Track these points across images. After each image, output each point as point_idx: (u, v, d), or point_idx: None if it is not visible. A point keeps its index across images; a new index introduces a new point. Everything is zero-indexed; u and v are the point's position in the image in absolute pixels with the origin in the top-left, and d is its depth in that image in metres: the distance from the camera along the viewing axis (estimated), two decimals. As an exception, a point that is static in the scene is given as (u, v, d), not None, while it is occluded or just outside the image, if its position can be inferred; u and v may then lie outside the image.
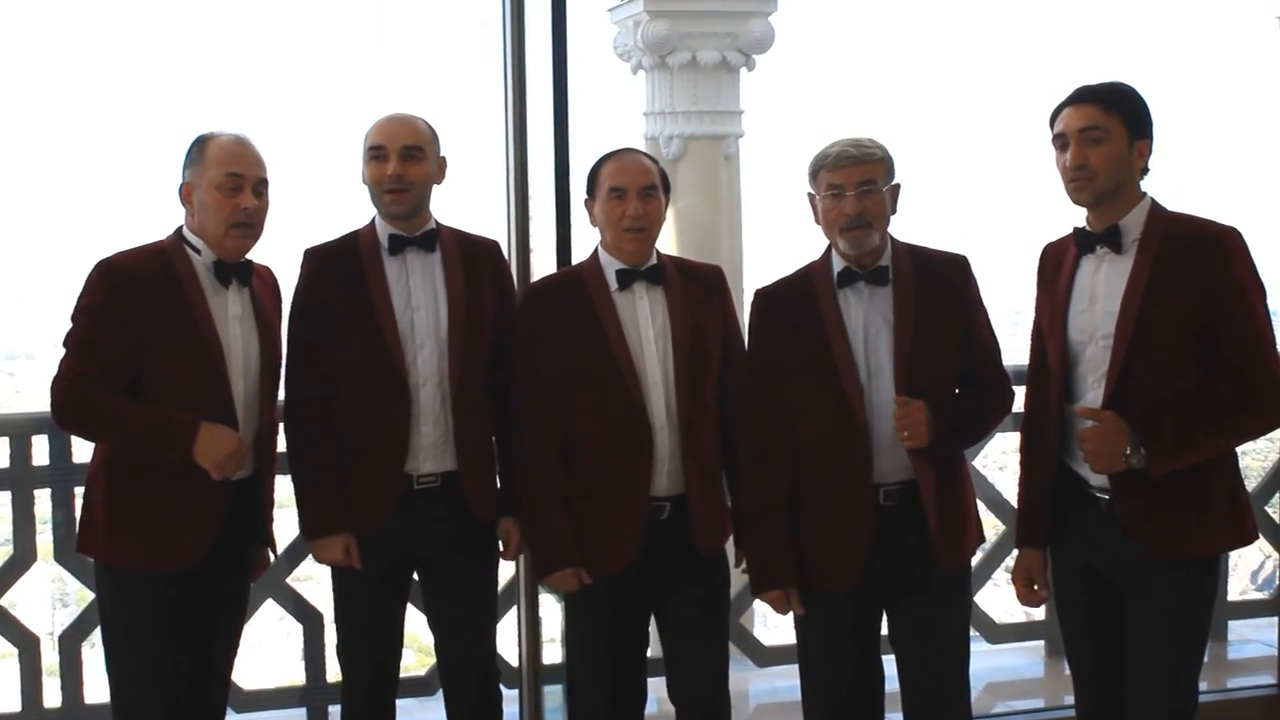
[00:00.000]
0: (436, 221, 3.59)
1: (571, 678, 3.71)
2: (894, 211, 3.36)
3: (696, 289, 3.55)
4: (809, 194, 3.38)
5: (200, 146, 3.37)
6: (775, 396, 3.40)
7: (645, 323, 3.48)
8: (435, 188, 3.59)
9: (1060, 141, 3.19)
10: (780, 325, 3.43)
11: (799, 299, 3.40)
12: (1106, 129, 3.12)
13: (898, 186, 3.37)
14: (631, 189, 3.45)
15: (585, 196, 3.57)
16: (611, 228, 3.47)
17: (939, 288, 3.36)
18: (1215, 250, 3.08)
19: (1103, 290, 3.18)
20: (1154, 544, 3.13)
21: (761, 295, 3.49)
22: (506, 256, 3.86)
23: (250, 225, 3.35)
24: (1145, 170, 3.20)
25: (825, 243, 3.43)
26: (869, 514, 3.31)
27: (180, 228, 3.42)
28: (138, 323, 3.27)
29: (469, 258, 3.58)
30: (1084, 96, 3.16)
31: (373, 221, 3.58)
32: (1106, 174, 3.13)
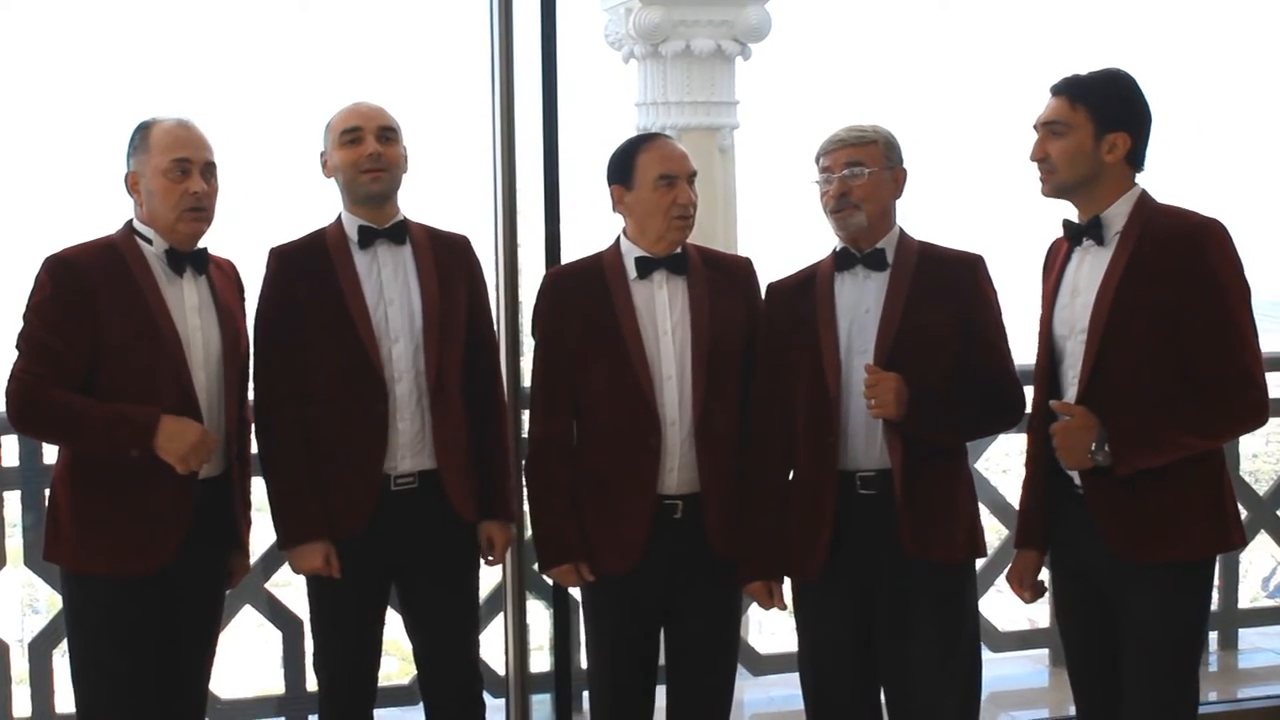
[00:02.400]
0: (404, 215, 3.52)
1: (564, 686, 3.62)
2: (896, 196, 3.35)
3: (721, 280, 3.48)
4: (815, 182, 3.37)
5: (143, 133, 3.30)
6: (776, 384, 3.38)
7: (663, 313, 3.41)
8: (404, 179, 3.52)
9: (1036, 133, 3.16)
10: (783, 314, 3.41)
11: (801, 287, 3.40)
12: (1068, 123, 3.07)
13: (902, 172, 3.35)
14: (681, 176, 3.39)
15: (614, 184, 3.46)
16: (660, 216, 3.39)
17: (941, 280, 3.31)
18: (1191, 242, 2.99)
19: (1084, 283, 3.12)
20: (1125, 546, 3.04)
21: (770, 288, 3.49)
22: (494, 251, 3.81)
23: (202, 209, 3.28)
24: (1135, 162, 3.11)
25: (823, 238, 3.41)
26: (834, 498, 3.27)
27: (130, 220, 3.34)
28: (89, 318, 3.20)
29: (440, 251, 3.52)
30: (1056, 88, 3.12)
31: (339, 217, 3.51)
32: (1065, 168, 3.08)
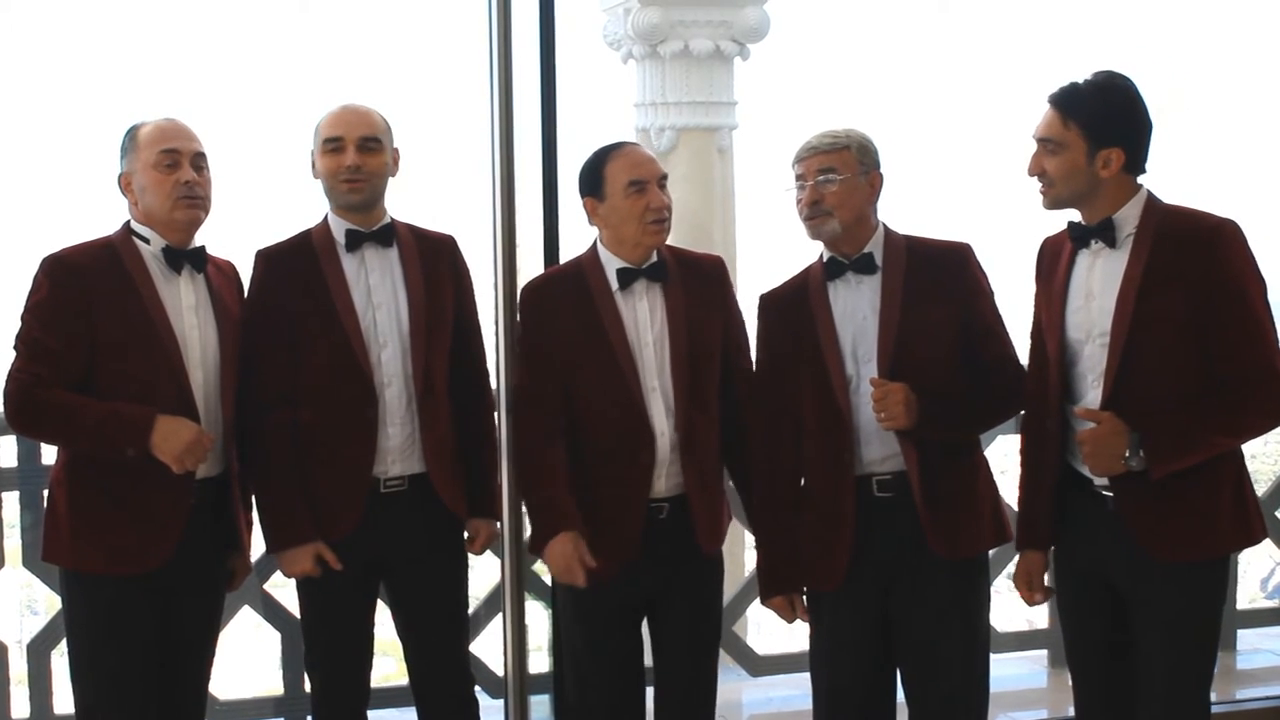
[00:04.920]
0: (391, 217, 3.51)
1: (562, 687, 3.61)
2: (872, 201, 3.34)
3: (696, 283, 3.48)
4: (787, 189, 3.37)
5: (132, 134, 3.32)
6: (781, 396, 3.38)
7: (645, 324, 3.41)
8: (391, 181, 3.52)
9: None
10: (780, 326, 3.41)
11: (795, 298, 3.39)
12: (1060, 141, 3.06)
13: (878, 176, 3.34)
14: (651, 180, 3.38)
15: (586, 196, 3.45)
16: (634, 222, 3.37)
17: (932, 275, 3.31)
18: (1212, 243, 3.00)
19: (1099, 286, 3.11)
20: (1157, 546, 3.05)
21: (763, 300, 3.48)
22: (493, 252, 3.78)
23: (196, 197, 3.28)
24: (1135, 169, 3.10)
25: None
26: (853, 507, 3.27)
27: (128, 220, 3.35)
28: (85, 318, 3.21)
29: (426, 253, 3.52)
30: (1051, 100, 3.10)
31: (325, 219, 3.50)
32: (1061, 184, 3.08)
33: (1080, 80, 3.09)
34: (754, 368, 3.49)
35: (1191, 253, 3.00)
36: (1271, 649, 5.02)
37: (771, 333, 3.44)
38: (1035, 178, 3.12)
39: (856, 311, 3.31)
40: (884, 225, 3.36)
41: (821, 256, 3.37)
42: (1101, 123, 3.05)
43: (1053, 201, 3.13)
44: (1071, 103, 3.06)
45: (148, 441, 3.15)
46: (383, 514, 3.41)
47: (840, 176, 3.26)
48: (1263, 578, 12.79)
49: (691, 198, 7.72)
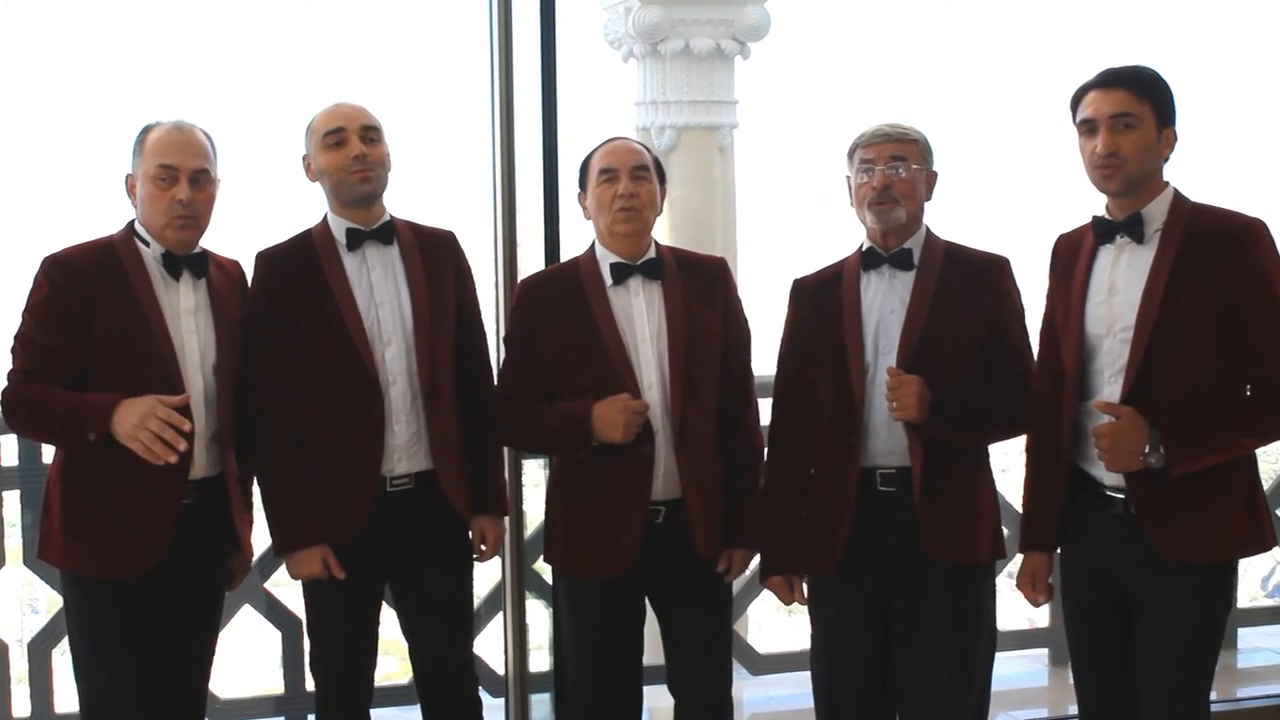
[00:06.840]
0: (391, 214, 3.51)
1: (563, 686, 3.61)
2: (928, 198, 3.36)
3: (697, 282, 3.48)
4: (846, 176, 3.37)
5: (142, 137, 3.29)
6: (800, 381, 3.40)
7: (641, 320, 3.40)
8: (391, 180, 3.49)
9: (1087, 127, 3.08)
10: (808, 311, 3.42)
11: (827, 286, 3.41)
12: (1138, 115, 3.03)
13: (934, 174, 3.36)
14: (622, 169, 3.39)
15: (578, 191, 3.49)
16: (604, 212, 3.39)
17: (966, 282, 3.32)
18: (1240, 242, 2.99)
19: (1123, 281, 3.08)
20: (1170, 547, 3.03)
21: (795, 284, 3.49)
22: (494, 251, 3.78)
23: (190, 217, 3.25)
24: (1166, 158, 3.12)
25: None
26: (855, 496, 3.28)
27: (132, 220, 3.33)
28: (82, 320, 3.19)
29: (427, 250, 3.50)
30: (1114, 80, 3.07)
31: (325, 219, 3.49)
32: (1136, 162, 3.04)
33: (1121, 66, 3.08)
34: (778, 352, 3.49)
35: (1221, 250, 2.99)
36: (1272, 648, 5.02)
37: (799, 317, 3.44)
38: (1103, 159, 3.04)
39: (885, 304, 3.32)
40: (927, 227, 3.38)
41: (861, 247, 3.38)
42: (1165, 101, 3.07)
43: (1123, 182, 3.05)
44: (1137, 81, 3.06)
45: (109, 424, 3.10)
46: (390, 513, 3.40)
47: (912, 166, 3.29)
48: (1263, 576, 12.80)
49: (692, 197, 7.73)
